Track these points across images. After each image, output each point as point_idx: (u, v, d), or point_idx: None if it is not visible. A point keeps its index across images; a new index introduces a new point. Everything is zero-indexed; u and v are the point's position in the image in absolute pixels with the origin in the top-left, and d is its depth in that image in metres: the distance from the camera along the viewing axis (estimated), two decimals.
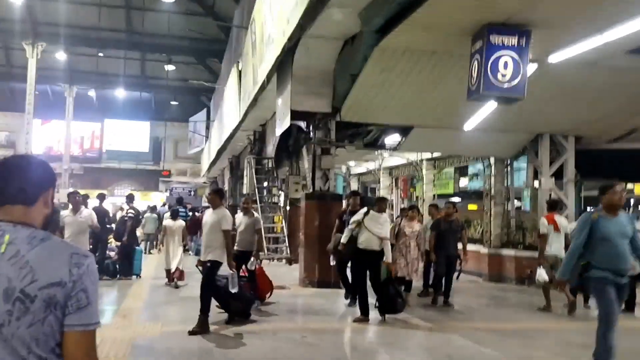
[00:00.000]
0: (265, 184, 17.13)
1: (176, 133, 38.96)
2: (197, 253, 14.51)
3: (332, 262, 8.62)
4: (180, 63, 30.79)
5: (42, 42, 24.84)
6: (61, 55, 29.67)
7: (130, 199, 10.87)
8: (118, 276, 10.51)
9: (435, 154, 15.00)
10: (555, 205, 9.12)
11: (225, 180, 28.26)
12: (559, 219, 8.72)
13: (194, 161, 38.15)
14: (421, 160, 15.76)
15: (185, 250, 14.07)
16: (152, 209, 17.70)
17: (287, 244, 14.31)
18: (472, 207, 17.04)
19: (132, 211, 10.39)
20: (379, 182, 19.33)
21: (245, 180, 17.93)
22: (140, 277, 10.89)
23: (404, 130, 11.04)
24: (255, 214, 8.34)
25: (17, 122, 35.10)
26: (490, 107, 9.54)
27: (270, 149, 16.46)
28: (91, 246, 10.82)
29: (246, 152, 19.95)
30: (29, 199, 1.51)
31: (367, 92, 9.39)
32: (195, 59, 29.12)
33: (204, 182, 38.15)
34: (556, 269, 7.16)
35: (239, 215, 8.21)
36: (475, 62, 7.27)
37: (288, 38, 8.56)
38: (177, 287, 9.95)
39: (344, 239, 7.52)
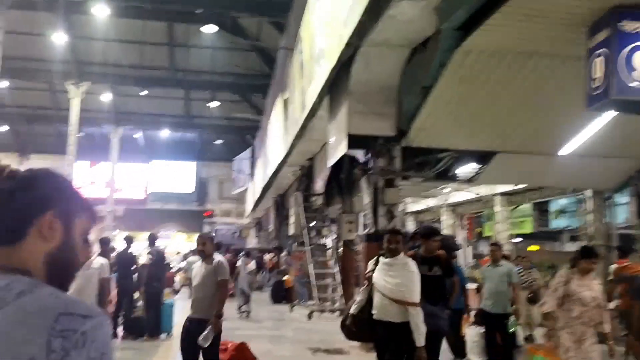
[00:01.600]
0: (314, 223, 15.40)
1: (221, 173, 38.38)
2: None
3: None
4: (224, 101, 30.02)
5: (85, 82, 24.40)
6: (106, 97, 29.37)
7: (151, 239, 9.35)
8: (145, 336, 8.87)
9: (511, 188, 12.96)
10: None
11: (270, 220, 26.79)
12: None
13: (238, 202, 37.19)
14: (494, 195, 13.71)
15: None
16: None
17: (341, 292, 12.43)
18: (532, 248, 14.82)
19: (151, 255, 8.78)
20: (440, 221, 17.31)
21: (292, 219, 16.27)
22: (172, 335, 9.23)
23: (483, 158, 9.16)
24: (219, 258, 5.35)
25: (66, 165, 35.21)
26: (596, 125, 7.63)
27: (320, 185, 14.83)
28: (117, 299, 9.36)
29: (292, 190, 18.44)
30: (8, 233, 1.06)
31: (443, 109, 7.64)
32: (239, 96, 28.21)
33: (248, 223, 37.01)
34: None
35: (197, 263, 5.52)
36: (599, 59, 5.42)
37: (346, 43, 6.96)
38: None
39: (353, 308, 5.21)
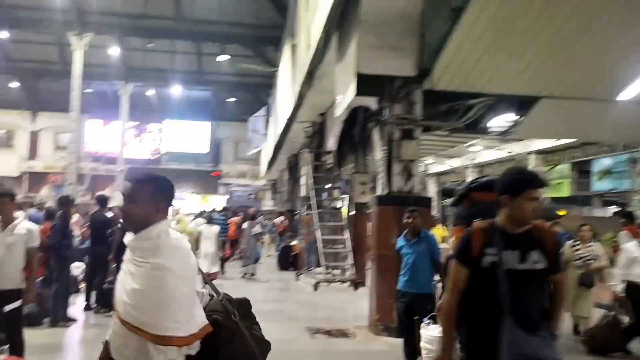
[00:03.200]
0: (325, 185, 13.99)
1: (236, 133, 37.12)
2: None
3: None
4: (236, 56, 28.40)
5: (88, 33, 23.00)
6: (113, 50, 28.00)
7: (100, 201, 8.01)
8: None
9: (548, 144, 11.32)
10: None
11: (284, 182, 25.51)
12: None
13: (254, 163, 35.99)
14: (529, 154, 12.08)
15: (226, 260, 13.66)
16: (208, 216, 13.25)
17: (352, 261, 11.10)
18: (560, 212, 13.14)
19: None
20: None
21: (302, 180, 14.88)
22: None
23: (523, 105, 7.56)
24: (27, 225, 4.53)
25: (80, 124, 34.22)
26: None
27: (332, 143, 13.35)
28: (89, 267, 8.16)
29: (305, 150, 17.01)
30: None
31: (476, 40, 6.06)
32: (251, 50, 26.50)
33: (264, 185, 35.89)
34: None
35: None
36: None
37: None
38: None
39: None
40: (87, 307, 7.82)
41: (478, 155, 13.60)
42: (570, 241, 6.34)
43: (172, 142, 36.90)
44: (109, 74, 30.02)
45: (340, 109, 7.90)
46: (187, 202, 35.53)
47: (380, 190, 7.16)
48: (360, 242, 11.51)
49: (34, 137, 35.77)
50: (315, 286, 10.61)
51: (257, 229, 15.30)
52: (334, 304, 9.14)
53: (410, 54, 6.62)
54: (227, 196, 36.60)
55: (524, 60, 6.33)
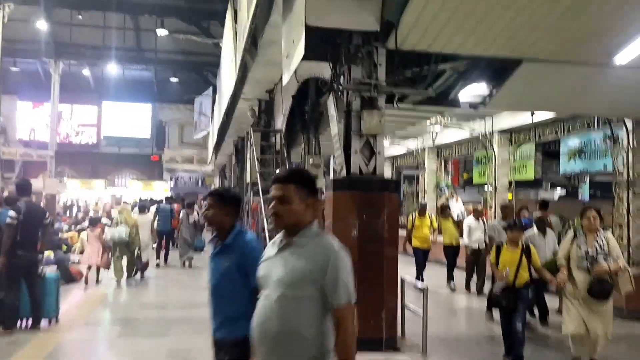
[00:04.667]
0: (276, 169, 12.66)
1: (181, 116, 35.25)
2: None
3: None
4: (178, 32, 26.46)
5: (9, 2, 20.57)
6: (41, 24, 25.51)
7: (20, 189, 6.33)
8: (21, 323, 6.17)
9: (514, 124, 10.40)
10: None
11: (231, 166, 24.02)
12: None
13: (202, 147, 34.28)
14: (492, 133, 11.14)
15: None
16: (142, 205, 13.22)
17: None
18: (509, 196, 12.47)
19: (16, 212, 5.79)
20: (422, 167, 14.78)
21: (248, 164, 13.45)
22: (57, 321, 6.53)
23: (500, 71, 6.46)
24: None
25: (8, 105, 31.45)
26: None
27: (280, 122, 12.04)
28: None
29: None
30: None
31: None
32: (193, 25, 24.60)
33: (212, 170, 34.23)
34: None
35: None
36: None
37: None
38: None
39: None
40: None
41: (437, 135, 12.57)
42: (570, 234, 5.25)
43: (110, 125, 34.60)
44: (38, 50, 27.51)
45: (288, 75, 6.58)
46: (129, 189, 33.55)
47: (336, 173, 5.92)
48: None
49: None
50: None
51: (196, 216, 14.27)
52: None
53: (372, 4, 5.36)
54: (172, 183, 34.74)
55: (505, 16, 5.19)
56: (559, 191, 17.52)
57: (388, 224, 5.55)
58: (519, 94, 6.71)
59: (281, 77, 11.63)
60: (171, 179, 35.64)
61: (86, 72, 31.88)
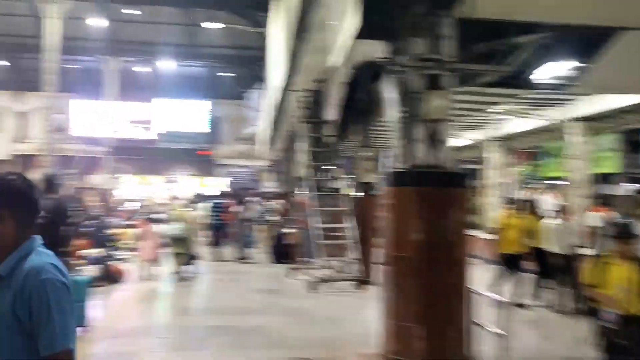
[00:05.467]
0: (327, 163, 11.89)
1: (234, 111, 35.12)
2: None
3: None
4: (229, 25, 26.22)
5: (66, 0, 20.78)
6: (97, 22, 25.84)
7: (49, 182, 5.81)
8: None
9: (589, 111, 9.19)
10: None
11: (282, 161, 23.49)
12: None
13: (255, 142, 34.09)
14: (565, 121, 9.93)
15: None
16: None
17: (357, 255, 9.07)
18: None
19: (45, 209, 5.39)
20: (484, 161, 13.63)
21: (298, 157, 12.77)
22: (86, 330, 6.02)
23: (591, 44, 5.41)
24: None
25: (67, 103, 32.31)
26: None
27: (332, 113, 11.25)
28: None
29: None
30: None
31: None
32: (244, 16, 24.18)
33: (266, 166, 33.97)
34: None
35: None
36: None
37: None
38: None
39: None
40: None
41: (504, 124, 11.40)
42: None
43: (165, 121, 34.86)
44: (93, 48, 27.96)
45: (341, 56, 5.78)
46: (184, 185, 33.76)
47: (394, 165, 5.07)
48: (367, 231, 9.48)
49: (22, 118, 33.88)
50: (312, 286, 8.60)
51: (250, 213, 14.13)
52: (334, 313, 7.14)
53: None
54: (230, 178, 34.74)
55: None
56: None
57: (457, 225, 4.66)
58: (615, 70, 5.61)
59: (332, 66, 10.93)
60: (225, 175, 35.60)
61: (141, 69, 32.30)
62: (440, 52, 4.84)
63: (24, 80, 32.32)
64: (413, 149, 4.82)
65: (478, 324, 5.00)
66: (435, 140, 4.85)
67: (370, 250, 9.47)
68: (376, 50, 6.90)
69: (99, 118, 32.00)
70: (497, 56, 5.49)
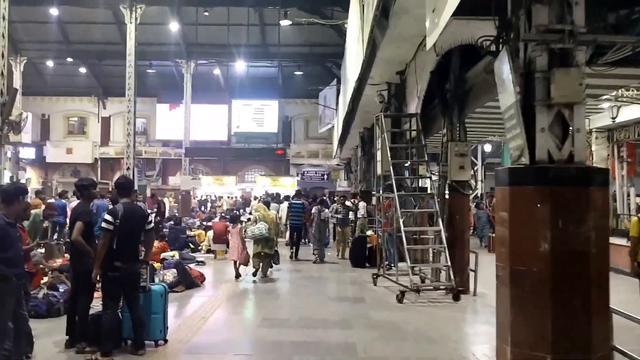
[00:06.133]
0: (410, 160, 11.04)
1: (306, 111, 34.97)
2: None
3: None
4: (300, 24, 25.87)
5: (140, 5, 21.17)
6: (173, 26, 26.33)
7: (81, 187, 5.40)
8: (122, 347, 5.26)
9: None
10: None
11: (357, 159, 22.74)
12: None
13: (327, 141, 33.73)
14: None
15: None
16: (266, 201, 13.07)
17: (448, 261, 8.20)
18: None
19: (109, 217, 4.78)
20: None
21: (378, 155, 11.99)
22: (164, 342, 5.58)
23: None
24: None
25: (148, 107, 33.35)
26: None
27: (415, 106, 10.42)
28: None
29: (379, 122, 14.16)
30: None
31: None
32: (315, 12, 23.68)
33: (337, 164, 33.43)
34: None
35: None
36: None
37: None
38: None
39: None
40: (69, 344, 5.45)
41: (616, 112, 10.10)
42: None
43: (239, 122, 35.15)
44: (169, 52, 28.54)
45: (435, 35, 4.99)
46: (257, 185, 33.92)
47: (513, 160, 4.22)
48: (458, 234, 8.59)
49: (106, 123, 35.37)
50: (400, 297, 7.83)
51: (326, 213, 13.84)
52: (430, 329, 6.33)
53: None
54: (298, 178, 34.51)
55: None
56: None
57: (596, 233, 3.76)
58: None
59: (414, 56, 10.10)
60: (297, 174, 35.42)
61: (216, 71, 32.69)
62: (569, 22, 3.94)
63: (107, 86, 33.68)
64: (536, 141, 3.96)
65: (622, 352, 4.08)
66: (564, 129, 3.96)
67: (463, 256, 8.58)
68: (470, 30, 6.07)
69: (176, 120, 32.70)
70: (631, 26, 4.50)
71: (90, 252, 5.13)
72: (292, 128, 36.26)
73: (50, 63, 31.01)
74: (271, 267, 10.55)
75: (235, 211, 17.69)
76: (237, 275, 10.11)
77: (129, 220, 5.04)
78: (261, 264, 10.08)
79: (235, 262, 10.21)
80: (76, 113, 35.93)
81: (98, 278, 5.02)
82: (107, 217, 4.97)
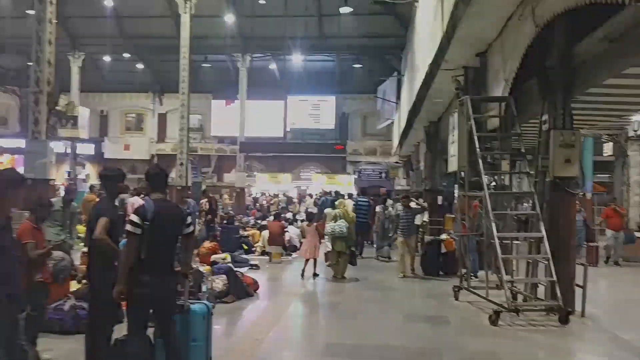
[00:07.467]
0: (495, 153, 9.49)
1: (363, 106, 33.77)
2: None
3: None
4: (361, 15, 24.51)
5: None
6: (228, 18, 25.64)
7: (104, 178, 4.27)
8: None
9: None
10: None
11: (421, 156, 21.15)
12: None
13: (385, 138, 32.37)
14: None
15: None
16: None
17: (554, 275, 6.67)
18: None
19: (135, 217, 3.62)
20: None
21: (452, 149, 10.45)
22: None
23: None
24: None
25: (203, 104, 32.98)
26: None
27: (501, 88, 8.90)
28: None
29: (448, 113, 12.60)
30: None
31: None
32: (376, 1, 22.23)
33: (396, 162, 31.98)
34: None
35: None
36: None
37: None
38: None
39: None
40: None
41: None
42: None
43: (295, 118, 34.26)
44: (225, 45, 27.82)
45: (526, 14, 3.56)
46: (313, 182, 32.93)
47: None
48: (562, 243, 7.03)
49: (162, 119, 35.40)
50: (493, 318, 6.39)
51: (389, 212, 13.39)
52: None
53: None
54: (355, 176, 33.27)
55: None
56: None
57: None
58: None
59: (501, 32, 8.59)
60: (354, 172, 34.20)
61: (272, 65, 31.87)
62: None
63: (164, 83, 33.50)
64: None
65: None
66: None
67: (569, 269, 7.03)
68: None
69: (232, 117, 32.10)
70: None
71: (118, 253, 4.04)
72: (349, 124, 35.08)
73: (107, 58, 31.05)
74: (350, 264, 10.17)
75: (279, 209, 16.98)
76: (314, 275, 9.98)
77: (162, 222, 3.85)
78: (338, 263, 9.84)
79: (307, 261, 10.08)
80: (133, 109, 36.26)
81: (122, 296, 3.88)
82: (133, 217, 3.79)
